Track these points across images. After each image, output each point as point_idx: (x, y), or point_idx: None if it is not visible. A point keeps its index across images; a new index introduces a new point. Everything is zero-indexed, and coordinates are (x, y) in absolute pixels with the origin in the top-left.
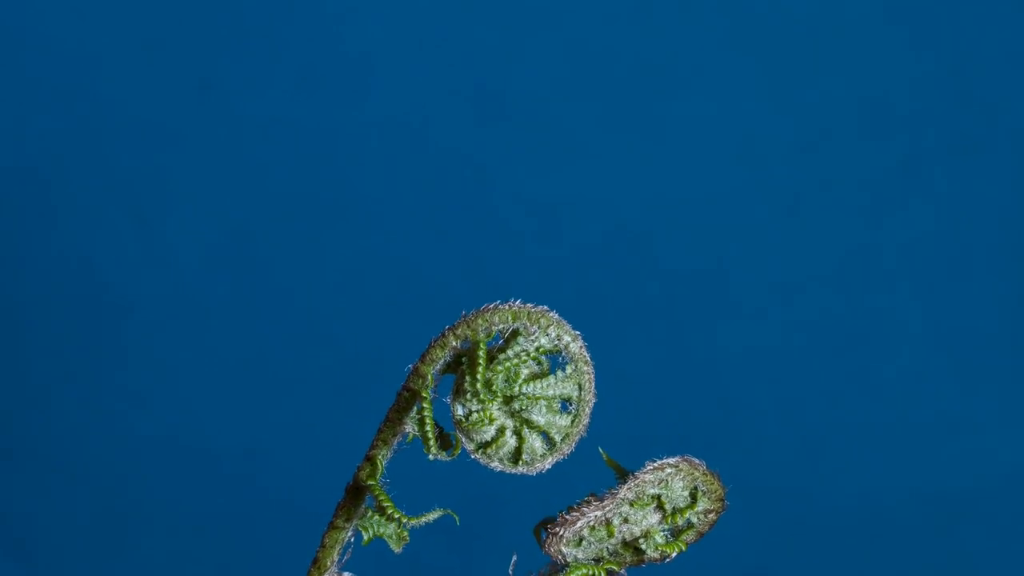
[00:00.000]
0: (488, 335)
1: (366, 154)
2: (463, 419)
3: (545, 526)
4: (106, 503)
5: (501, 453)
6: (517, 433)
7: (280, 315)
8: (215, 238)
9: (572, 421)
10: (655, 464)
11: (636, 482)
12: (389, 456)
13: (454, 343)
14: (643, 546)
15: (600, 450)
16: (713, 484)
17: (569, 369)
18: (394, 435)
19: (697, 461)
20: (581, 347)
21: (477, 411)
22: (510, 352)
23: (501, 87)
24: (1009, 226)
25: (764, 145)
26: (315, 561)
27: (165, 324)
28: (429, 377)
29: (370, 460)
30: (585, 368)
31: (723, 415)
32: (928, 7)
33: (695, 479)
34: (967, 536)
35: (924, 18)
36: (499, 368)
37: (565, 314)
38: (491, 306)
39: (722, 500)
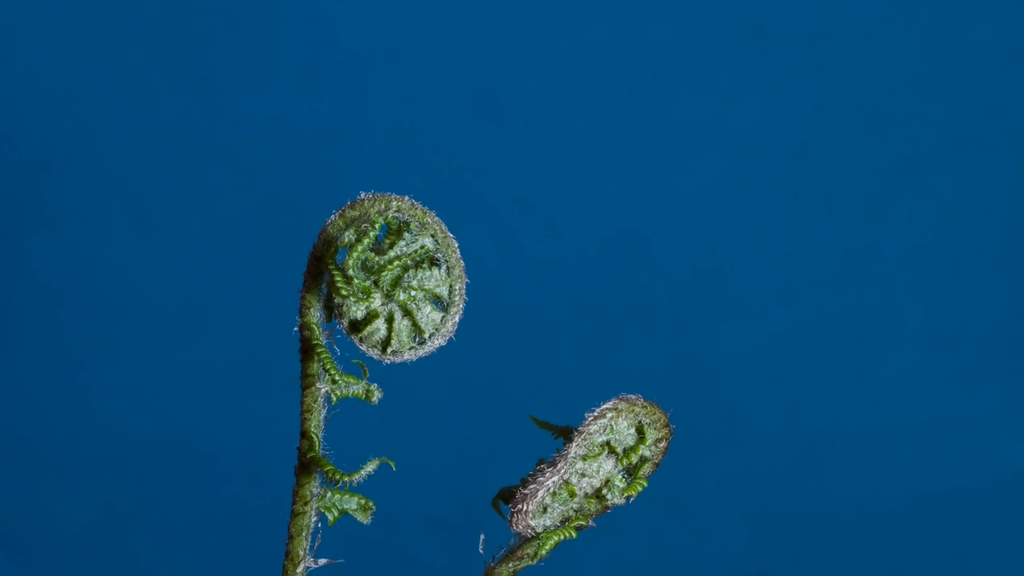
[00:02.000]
0: (383, 216)
1: (365, 154)
2: (339, 292)
3: (504, 500)
4: (105, 503)
5: (373, 339)
6: (388, 321)
7: (279, 315)
8: (215, 238)
9: (442, 319)
10: (595, 412)
11: (583, 436)
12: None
13: (353, 214)
14: (606, 494)
15: (530, 416)
16: (655, 413)
17: (444, 271)
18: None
19: (633, 396)
20: (458, 256)
21: (351, 288)
22: (392, 239)
23: (501, 87)
24: (1009, 226)
25: (764, 145)
26: (287, 553)
27: (164, 324)
28: (334, 246)
29: (305, 435)
30: (459, 274)
31: (723, 415)
32: (928, 7)
33: (637, 414)
34: (967, 536)
35: (924, 18)
36: (381, 254)
37: (565, 314)
38: (391, 195)
39: (667, 425)
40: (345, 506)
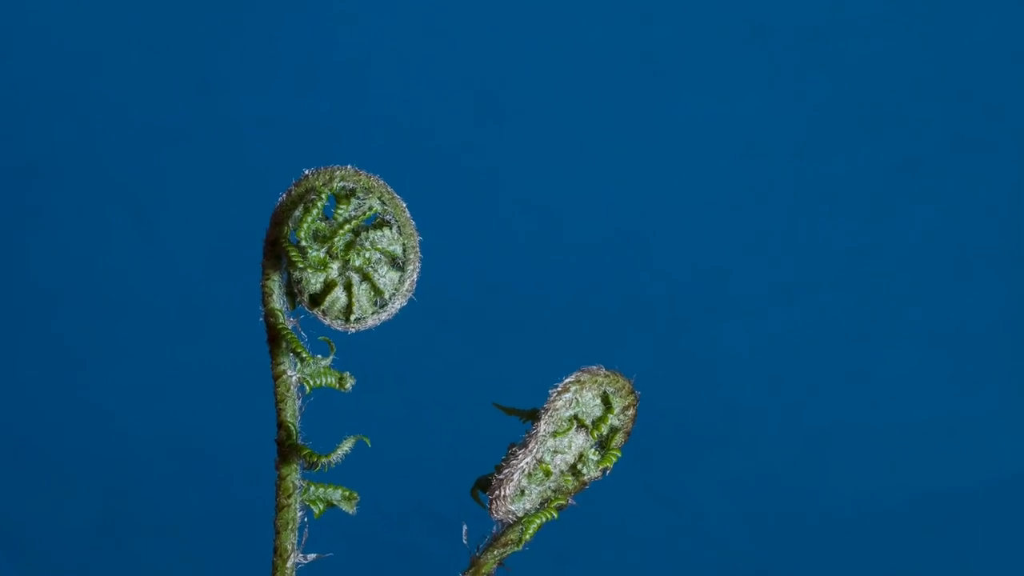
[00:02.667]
0: (328, 188)
1: (365, 154)
2: (295, 267)
3: (481, 488)
4: (105, 503)
5: (335, 310)
6: (347, 288)
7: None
8: (215, 238)
9: (400, 278)
10: (558, 388)
11: (549, 413)
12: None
13: (299, 191)
14: (581, 470)
15: (494, 404)
16: (619, 381)
17: (395, 231)
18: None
19: (594, 368)
20: (408, 215)
21: (306, 261)
22: (342, 207)
23: (501, 88)
24: (1009, 226)
25: (764, 145)
26: (275, 549)
27: (164, 324)
28: (286, 228)
29: (281, 425)
30: (410, 231)
31: (723, 415)
32: (928, 7)
33: (600, 384)
34: (967, 536)
35: (924, 18)
36: (333, 224)
37: (565, 313)
38: (334, 166)
39: (632, 392)
40: (329, 497)
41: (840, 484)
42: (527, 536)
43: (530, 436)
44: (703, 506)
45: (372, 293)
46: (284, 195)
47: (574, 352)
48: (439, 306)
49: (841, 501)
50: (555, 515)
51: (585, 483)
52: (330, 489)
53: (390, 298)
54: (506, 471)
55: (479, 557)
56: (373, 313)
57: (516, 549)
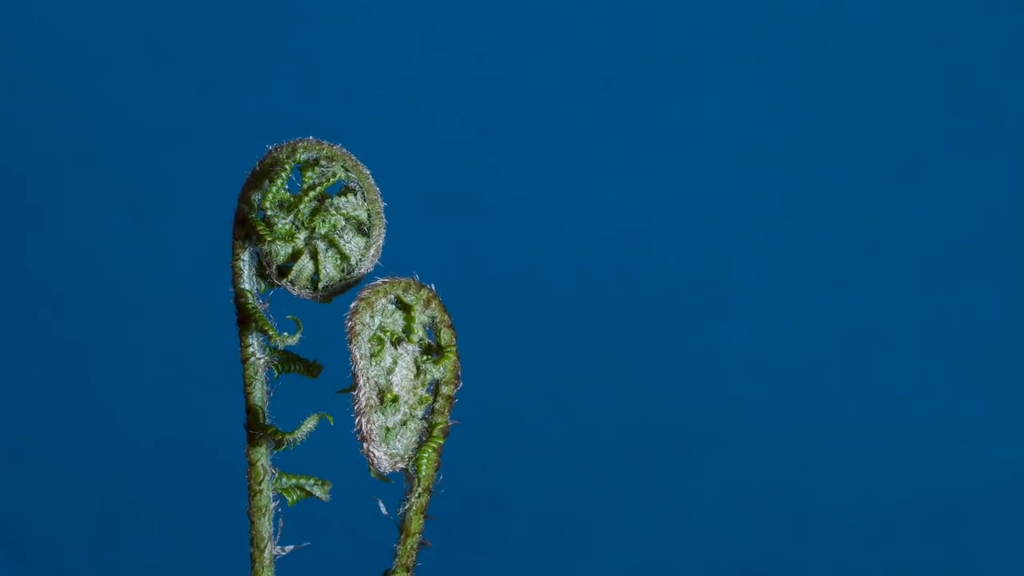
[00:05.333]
0: (291, 160)
1: (365, 154)
2: (263, 240)
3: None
4: (105, 503)
5: (302, 279)
6: (313, 256)
7: (279, 315)
8: (215, 238)
9: (366, 244)
10: (347, 313)
11: (353, 339)
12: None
13: (264, 166)
14: (428, 377)
15: (338, 392)
16: (401, 283)
17: (360, 197)
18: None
19: (376, 282)
20: (372, 181)
21: (273, 232)
22: (307, 176)
23: (501, 87)
24: (1009, 226)
25: (764, 145)
26: (251, 540)
27: (164, 324)
28: (252, 201)
29: (249, 410)
30: (374, 197)
31: (723, 415)
32: (928, 7)
33: (386, 291)
34: (967, 536)
35: (924, 18)
36: (302, 195)
37: (565, 314)
38: (296, 139)
39: (423, 285)
40: (302, 484)
41: (840, 484)
42: (424, 472)
43: (352, 366)
44: (702, 505)
45: (339, 260)
46: (249, 174)
47: (573, 351)
48: None
49: (841, 501)
50: (441, 440)
51: (449, 398)
52: (302, 478)
53: (356, 263)
54: (356, 419)
55: (404, 522)
56: (341, 280)
57: (429, 495)
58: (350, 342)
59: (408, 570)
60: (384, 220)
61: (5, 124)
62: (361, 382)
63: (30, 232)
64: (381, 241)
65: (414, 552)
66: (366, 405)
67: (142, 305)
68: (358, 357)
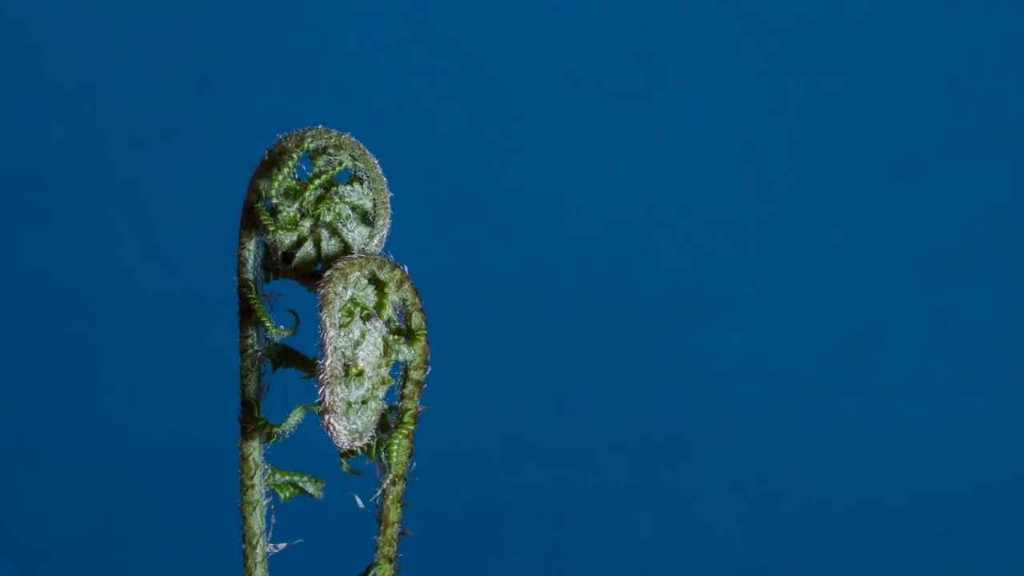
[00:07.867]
0: (300, 148)
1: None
2: (268, 228)
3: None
4: (105, 503)
5: (304, 266)
6: (316, 244)
7: (280, 315)
8: (215, 238)
9: (369, 234)
10: (321, 280)
11: (324, 307)
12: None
13: (273, 155)
14: (396, 357)
15: (302, 377)
16: (376, 260)
17: (366, 186)
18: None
19: (348, 258)
20: (379, 171)
21: (278, 221)
22: (316, 164)
23: (501, 86)
24: (1009, 226)
25: (764, 145)
26: (244, 535)
27: (164, 324)
28: (261, 191)
29: (244, 403)
30: (380, 187)
31: (723, 415)
32: (928, 7)
33: (361, 266)
34: (967, 536)
35: (924, 18)
36: (308, 183)
37: (565, 313)
38: (306, 128)
39: (396, 265)
40: (295, 481)
41: (840, 484)
42: (398, 460)
43: (321, 341)
44: (702, 505)
45: (342, 249)
46: (259, 164)
47: (573, 350)
48: (438, 303)
49: (841, 501)
50: (412, 426)
51: (419, 383)
52: (295, 475)
53: (359, 252)
54: (320, 389)
55: (381, 512)
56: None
57: (404, 483)
58: (321, 309)
59: (391, 561)
60: (390, 210)
61: (5, 124)
62: (329, 351)
63: (30, 231)
64: (386, 231)
65: (395, 543)
66: (331, 375)
67: (140, 303)
68: (328, 325)
